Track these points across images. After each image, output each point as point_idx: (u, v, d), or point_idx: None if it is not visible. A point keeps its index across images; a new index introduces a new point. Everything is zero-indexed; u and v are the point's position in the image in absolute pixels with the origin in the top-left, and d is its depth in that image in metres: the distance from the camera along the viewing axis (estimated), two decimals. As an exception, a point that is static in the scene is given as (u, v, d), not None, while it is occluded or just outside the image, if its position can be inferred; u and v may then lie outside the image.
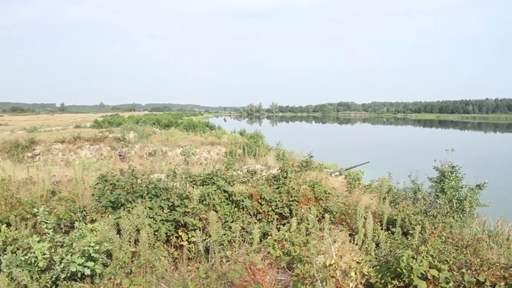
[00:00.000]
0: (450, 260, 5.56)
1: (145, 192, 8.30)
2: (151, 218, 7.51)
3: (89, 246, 5.91)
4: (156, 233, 7.28)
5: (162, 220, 7.63)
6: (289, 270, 5.88)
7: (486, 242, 7.76)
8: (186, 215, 7.80)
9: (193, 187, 8.99)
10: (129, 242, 6.61)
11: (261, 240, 7.19)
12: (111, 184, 8.49)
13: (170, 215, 7.75)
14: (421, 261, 5.04)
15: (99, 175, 9.18)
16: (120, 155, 22.80)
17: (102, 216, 7.92)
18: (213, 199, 8.46)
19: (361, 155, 42.00)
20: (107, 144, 24.55)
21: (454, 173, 12.31)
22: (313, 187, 9.85)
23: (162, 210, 7.92)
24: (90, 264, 5.85)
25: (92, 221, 7.73)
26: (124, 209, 7.77)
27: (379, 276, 5.27)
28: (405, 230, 8.38)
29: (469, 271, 5.07)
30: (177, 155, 24.19)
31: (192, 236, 7.56)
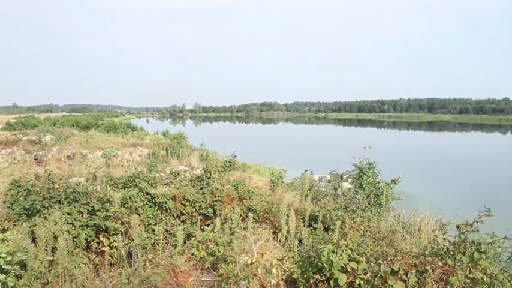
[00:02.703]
0: (368, 252, 5.87)
1: (63, 197, 7.98)
2: (70, 223, 7.23)
3: (0, 257, 5.58)
4: (75, 240, 7.01)
5: (82, 225, 7.36)
6: (214, 271, 5.92)
7: (400, 233, 8.31)
8: (107, 219, 7.57)
9: (114, 190, 8.75)
10: (46, 250, 6.31)
11: (185, 242, 7.16)
12: (25, 190, 8.06)
13: (90, 219, 7.49)
14: (341, 254, 5.30)
15: (11, 180, 8.69)
16: (35, 159, 21.59)
17: (15, 225, 7.49)
18: (135, 202, 8.30)
19: (283, 153, 43.02)
20: (21, 148, 23.06)
21: (372, 169, 13.03)
22: (237, 187, 9.95)
23: (82, 215, 7.63)
24: (2, 277, 5.52)
25: (4, 230, 7.30)
26: (40, 215, 7.42)
27: (301, 271, 5.46)
28: (326, 226, 8.65)
29: (385, 261, 5.35)
30: (98, 158, 23.29)
31: (114, 241, 7.36)
